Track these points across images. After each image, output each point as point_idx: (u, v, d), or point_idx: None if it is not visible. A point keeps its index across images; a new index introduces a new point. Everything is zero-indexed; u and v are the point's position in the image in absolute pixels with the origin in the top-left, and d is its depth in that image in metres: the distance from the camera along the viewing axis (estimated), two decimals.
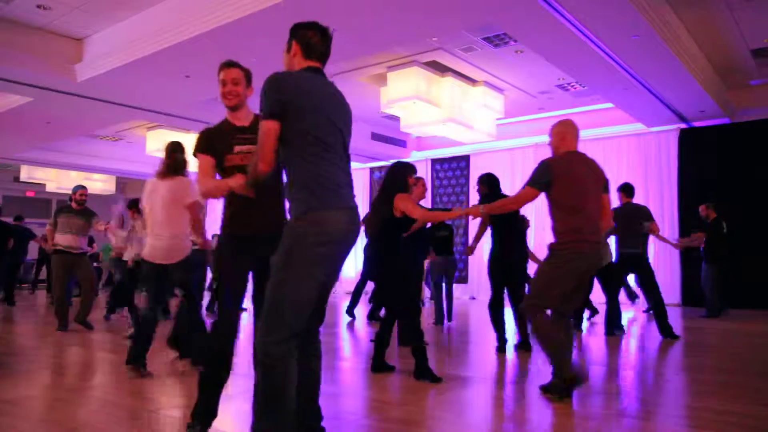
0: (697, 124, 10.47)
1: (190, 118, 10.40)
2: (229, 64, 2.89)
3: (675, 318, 8.50)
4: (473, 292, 12.72)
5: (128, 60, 7.50)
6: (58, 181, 16.40)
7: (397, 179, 4.11)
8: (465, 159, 13.32)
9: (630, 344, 5.99)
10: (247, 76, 2.91)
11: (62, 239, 6.76)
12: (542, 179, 3.49)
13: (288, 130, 2.21)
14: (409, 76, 8.66)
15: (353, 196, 2.37)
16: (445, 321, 7.49)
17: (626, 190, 6.65)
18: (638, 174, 10.74)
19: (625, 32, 6.57)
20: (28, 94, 8.97)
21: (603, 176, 3.64)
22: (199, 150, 2.80)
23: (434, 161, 13.77)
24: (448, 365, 4.70)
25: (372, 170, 14.87)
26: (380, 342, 4.31)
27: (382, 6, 6.00)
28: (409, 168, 4.20)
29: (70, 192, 7.68)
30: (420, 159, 13.90)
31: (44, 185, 16.70)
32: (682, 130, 10.63)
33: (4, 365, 4.43)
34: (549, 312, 3.52)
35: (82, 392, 3.68)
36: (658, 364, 4.89)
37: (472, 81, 9.54)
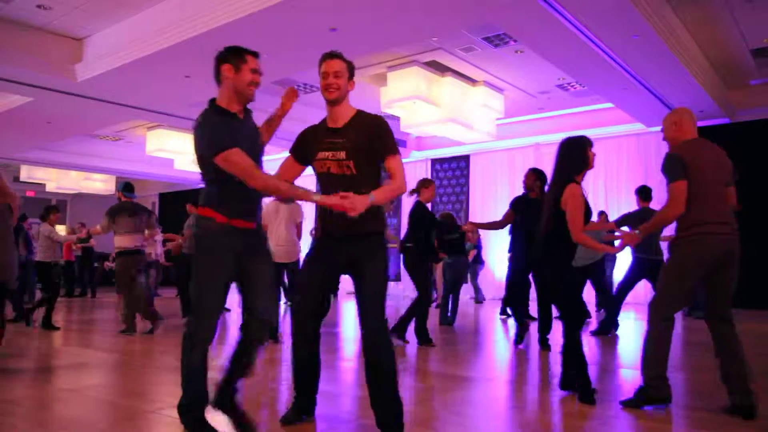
0: (697, 123, 10.46)
1: (190, 118, 10.32)
2: (332, 55, 2.78)
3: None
4: (473, 292, 12.70)
5: (128, 60, 7.51)
6: (58, 181, 16.41)
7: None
8: (465, 159, 13.32)
9: (630, 344, 5.99)
10: (350, 68, 2.81)
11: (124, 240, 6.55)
12: (679, 167, 3.14)
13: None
14: (409, 76, 8.66)
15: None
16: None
17: (644, 192, 6.51)
18: (638, 174, 10.73)
19: (625, 32, 6.57)
20: (28, 94, 8.97)
21: (728, 166, 3.32)
22: (290, 149, 2.84)
23: (434, 161, 13.77)
24: (449, 365, 4.70)
25: None
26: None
27: (382, 6, 6.00)
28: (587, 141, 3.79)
29: (69, 192, 7.68)
30: (420, 159, 13.91)
31: (44, 185, 16.70)
32: None
33: (5, 365, 4.43)
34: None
35: (82, 392, 3.68)
36: None
37: (472, 81, 9.54)
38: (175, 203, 18.51)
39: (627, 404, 3.23)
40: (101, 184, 17.33)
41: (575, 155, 3.65)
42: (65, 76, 8.17)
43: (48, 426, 2.89)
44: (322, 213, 2.69)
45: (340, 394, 3.71)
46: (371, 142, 2.62)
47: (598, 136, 11.29)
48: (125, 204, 6.42)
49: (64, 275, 11.56)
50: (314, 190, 2.61)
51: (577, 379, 3.41)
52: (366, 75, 9.37)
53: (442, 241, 7.03)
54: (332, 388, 3.85)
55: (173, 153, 12.49)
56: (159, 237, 8.46)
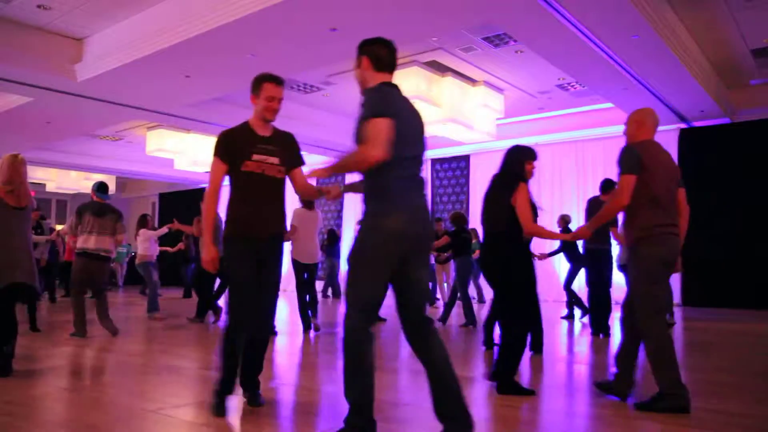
0: (697, 124, 10.47)
1: (190, 118, 10.40)
2: (281, 82, 3.05)
3: (675, 317, 8.50)
4: (473, 292, 12.71)
5: (128, 60, 7.51)
6: (58, 181, 16.41)
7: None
8: (465, 159, 13.32)
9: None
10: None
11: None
12: (633, 161, 3.20)
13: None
14: (409, 76, 8.66)
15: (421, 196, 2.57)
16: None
17: (605, 185, 6.29)
18: None
19: (625, 32, 6.57)
20: (28, 94, 8.98)
21: (677, 170, 3.39)
22: (216, 153, 2.99)
23: (434, 161, 13.77)
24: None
25: None
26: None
27: (382, 6, 6.00)
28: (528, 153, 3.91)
29: (69, 192, 7.66)
30: None
31: (44, 185, 16.70)
32: (682, 130, 10.63)
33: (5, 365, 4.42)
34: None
35: (82, 392, 3.68)
36: None
37: (472, 81, 9.54)
38: (175, 203, 18.51)
39: (642, 408, 3.15)
40: None
41: (515, 162, 3.85)
42: (65, 76, 8.17)
43: (48, 426, 2.89)
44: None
45: (340, 393, 3.71)
46: (292, 153, 3.09)
47: (598, 136, 11.33)
48: (93, 203, 6.21)
49: (60, 276, 11.50)
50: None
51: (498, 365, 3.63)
52: None
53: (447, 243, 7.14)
54: (333, 388, 3.85)
55: (173, 153, 12.48)
56: (153, 236, 8.38)
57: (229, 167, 2.95)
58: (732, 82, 9.84)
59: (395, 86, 2.59)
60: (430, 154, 13.80)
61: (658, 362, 3.14)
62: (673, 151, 10.67)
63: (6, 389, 3.65)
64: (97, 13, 7.43)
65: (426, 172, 13.79)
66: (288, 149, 3.06)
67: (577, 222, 9.39)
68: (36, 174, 16.02)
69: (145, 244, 8.31)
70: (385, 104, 2.42)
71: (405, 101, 2.58)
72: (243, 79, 8.23)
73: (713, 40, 8.13)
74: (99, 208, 6.19)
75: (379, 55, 2.59)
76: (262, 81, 3.00)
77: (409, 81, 8.65)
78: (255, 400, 3.09)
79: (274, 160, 2.96)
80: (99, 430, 2.81)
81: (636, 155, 3.22)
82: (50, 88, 8.54)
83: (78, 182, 16.73)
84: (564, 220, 8.15)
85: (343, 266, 13.67)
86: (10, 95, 9.40)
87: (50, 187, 16.68)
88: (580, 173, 11.56)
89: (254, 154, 2.92)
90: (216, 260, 2.98)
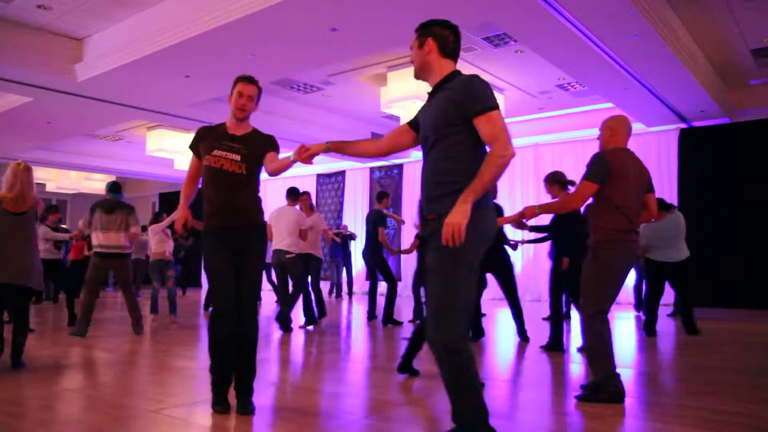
0: (697, 124, 10.47)
1: (190, 118, 10.40)
2: (251, 80, 3.14)
3: (676, 318, 8.51)
4: None
5: (128, 60, 7.51)
6: (58, 181, 16.41)
7: None
8: None
9: (628, 344, 5.99)
10: (259, 94, 3.19)
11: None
12: (600, 171, 3.34)
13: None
14: (409, 76, 8.65)
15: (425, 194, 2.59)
16: None
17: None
18: None
19: (625, 32, 6.57)
20: (28, 94, 8.97)
21: (648, 176, 3.55)
22: (189, 146, 3.27)
23: None
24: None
25: (372, 170, 14.87)
26: (415, 342, 4.06)
27: (382, 6, 6.00)
28: None
29: (69, 192, 7.73)
30: (420, 159, 13.87)
31: (44, 185, 16.70)
32: (682, 130, 10.63)
33: (5, 365, 4.42)
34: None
35: (82, 392, 3.68)
36: (658, 364, 4.89)
37: None
38: (175, 203, 18.51)
39: (582, 399, 3.33)
40: (101, 184, 17.31)
41: None
42: (65, 76, 8.17)
43: (48, 426, 2.89)
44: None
45: (344, 394, 3.71)
46: (261, 149, 3.13)
47: (598, 136, 11.31)
48: (104, 200, 6.30)
49: (65, 275, 11.46)
50: None
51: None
52: (366, 75, 9.37)
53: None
54: (337, 388, 3.85)
55: (173, 153, 12.48)
56: (159, 229, 8.18)
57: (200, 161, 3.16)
58: (732, 82, 9.84)
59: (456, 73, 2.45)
60: None
61: (594, 356, 3.36)
62: (673, 151, 10.68)
63: (6, 389, 3.65)
64: (97, 13, 7.43)
65: None
66: (256, 147, 3.11)
67: None
68: (36, 174, 15.84)
69: (156, 238, 7.92)
70: (493, 96, 2.31)
71: None
72: None
73: (713, 40, 8.13)
74: (109, 204, 6.28)
75: (447, 38, 2.49)
76: (235, 81, 3.14)
77: (409, 81, 8.64)
78: (244, 408, 2.99)
79: (235, 156, 3.05)
80: (99, 430, 2.81)
81: (605, 165, 3.35)
82: (50, 88, 8.54)
83: (78, 182, 16.74)
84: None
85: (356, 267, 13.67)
86: (10, 95, 9.40)
87: (50, 187, 16.68)
88: (580, 173, 11.46)
89: (215, 150, 3.06)
90: (188, 219, 3.20)
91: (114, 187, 6.44)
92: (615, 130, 3.53)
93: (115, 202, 6.33)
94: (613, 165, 3.33)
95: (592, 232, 3.46)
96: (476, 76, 2.34)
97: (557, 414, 3.24)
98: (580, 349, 5.15)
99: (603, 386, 3.28)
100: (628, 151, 3.50)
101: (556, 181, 5.32)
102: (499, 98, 9.93)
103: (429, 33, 2.50)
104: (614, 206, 3.34)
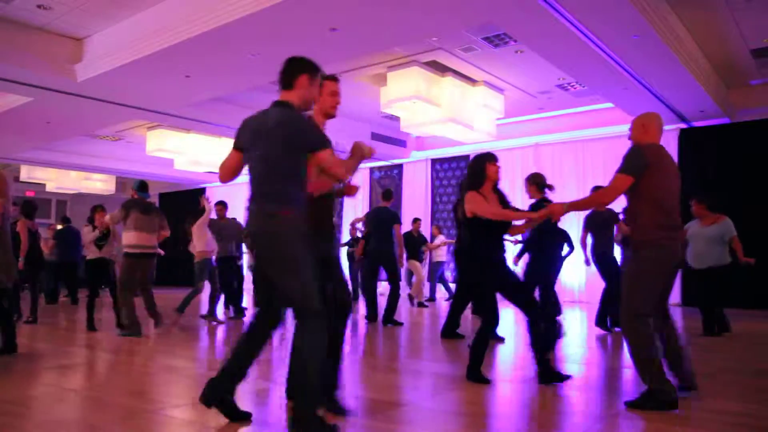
0: (697, 124, 10.47)
1: (190, 118, 10.41)
2: (337, 79, 3.18)
3: (675, 318, 8.47)
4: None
5: (128, 60, 7.51)
6: (58, 181, 16.40)
7: (472, 173, 3.86)
8: (465, 159, 13.31)
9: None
10: None
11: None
12: (636, 163, 3.18)
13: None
14: (409, 76, 8.66)
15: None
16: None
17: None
18: None
19: (625, 32, 6.57)
20: (28, 94, 8.97)
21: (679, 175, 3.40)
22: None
23: (434, 161, 13.77)
24: (448, 365, 4.70)
25: (372, 170, 14.87)
26: (479, 349, 3.84)
27: (382, 6, 6.00)
28: (488, 157, 3.88)
29: (69, 192, 7.63)
30: (420, 159, 13.91)
31: (44, 185, 16.70)
32: (682, 130, 10.63)
33: (5, 365, 4.43)
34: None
35: (82, 392, 3.68)
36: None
37: (472, 81, 9.54)
38: (175, 203, 18.51)
39: (633, 405, 3.17)
40: (101, 184, 17.32)
41: (476, 171, 3.87)
42: (65, 76, 8.17)
43: (48, 426, 2.89)
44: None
45: (344, 394, 3.70)
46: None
47: (598, 136, 11.33)
48: (138, 200, 6.35)
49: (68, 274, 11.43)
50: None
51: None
52: (366, 75, 9.37)
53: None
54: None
55: (173, 153, 12.48)
56: (203, 223, 7.96)
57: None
58: (732, 82, 9.84)
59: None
60: (430, 154, 13.83)
61: (640, 361, 3.20)
62: (673, 151, 10.66)
63: (6, 389, 3.65)
64: (97, 13, 7.43)
65: (426, 172, 13.83)
66: None
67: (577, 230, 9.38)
68: (36, 174, 16.02)
69: (203, 238, 7.50)
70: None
71: None
72: (243, 79, 8.26)
73: (713, 40, 8.13)
74: (145, 206, 6.36)
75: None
76: (321, 78, 3.11)
77: (409, 81, 8.65)
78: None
79: None
80: (99, 430, 2.81)
81: (641, 157, 3.20)
82: (50, 88, 8.54)
83: (78, 182, 16.73)
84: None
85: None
86: (10, 95, 9.40)
87: (50, 187, 16.67)
88: (580, 173, 11.55)
89: None
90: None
91: (143, 187, 6.51)
92: (647, 126, 3.38)
93: (149, 203, 6.48)
94: (650, 159, 3.19)
95: (632, 233, 3.33)
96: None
97: (557, 413, 3.23)
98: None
99: (654, 393, 3.12)
100: (663, 148, 3.36)
101: (534, 182, 5.41)
102: (499, 98, 9.99)
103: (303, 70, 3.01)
104: (655, 202, 3.19)
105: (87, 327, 6.50)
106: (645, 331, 3.19)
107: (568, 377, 3.81)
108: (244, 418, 2.83)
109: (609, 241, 6.59)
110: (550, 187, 5.49)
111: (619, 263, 6.68)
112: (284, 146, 2.69)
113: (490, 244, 3.85)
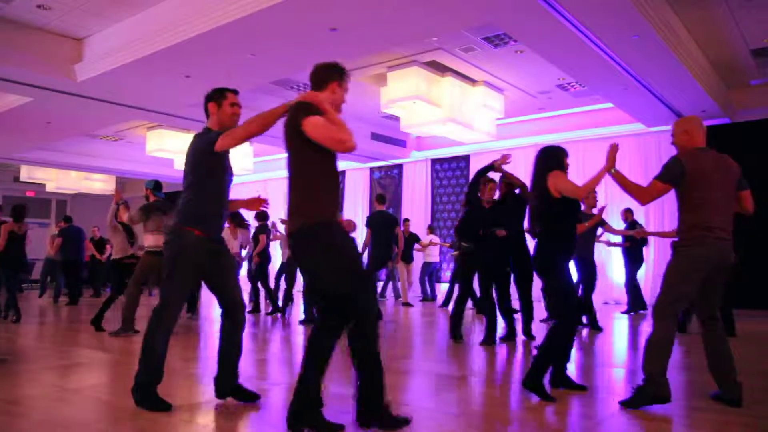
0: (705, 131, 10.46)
1: (190, 118, 10.40)
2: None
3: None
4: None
5: (128, 60, 7.50)
6: (58, 181, 16.40)
7: (555, 158, 3.89)
8: (465, 159, 13.32)
9: (626, 343, 5.99)
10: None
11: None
12: (672, 173, 3.34)
13: None
14: (409, 76, 8.66)
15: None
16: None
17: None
18: (638, 174, 10.72)
19: (625, 32, 6.56)
20: (28, 94, 8.97)
21: (737, 172, 3.48)
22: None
23: (434, 161, 13.77)
24: (448, 365, 4.70)
25: (372, 170, 14.87)
26: (561, 353, 3.72)
27: (382, 6, 6.00)
28: (564, 152, 3.96)
29: (69, 192, 7.58)
30: (420, 159, 13.91)
31: (44, 185, 16.70)
32: None
33: (4, 365, 4.43)
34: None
35: (81, 392, 3.68)
36: None
37: (472, 81, 9.54)
38: (174, 203, 18.53)
39: (626, 404, 3.22)
40: (101, 184, 17.31)
41: (559, 158, 3.92)
42: (65, 76, 8.17)
43: (48, 426, 2.89)
44: None
45: (345, 394, 3.71)
46: None
47: (598, 136, 11.31)
48: (157, 202, 6.32)
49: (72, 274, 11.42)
50: None
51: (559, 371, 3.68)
52: (366, 75, 9.36)
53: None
54: (337, 388, 3.85)
55: (173, 153, 12.47)
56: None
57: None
58: (732, 82, 9.83)
59: None
60: (430, 154, 13.82)
61: (652, 351, 3.27)
62: (673, 151, 10.63)
63: (6, 389, 3.65)
64: (97, 13, 7.43)
65: (426, 172, 13.83)
66: None
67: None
68: (36, 174, 16.02)
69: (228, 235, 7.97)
70: None
71: None
72: (243, 79, 8.26)
73: (713, 40, 8.13)
74: (165, 207, 6.32)
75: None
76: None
77: (409, 81, 8.65)
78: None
79: None
80: (99, 430, 2.81)
81: (680, 167, 3.34)
82: (50, 88, 8.54)
83: (78, 182, 16.73)
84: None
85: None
86: (10, 95, 9.40)
87: (50, 187, 16.67)
88: (580, 173, 11.54)
89: None
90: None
91: (158, 186, 6.52)
92: (690, 132, 3.49)
93: (168, 203, 6.39)
94: (688, 167, 3.32)
95: (677, 234, 3.44)
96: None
97: (557, 413, 3.23)
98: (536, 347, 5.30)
99: (650, 382, 3.21)
100: (709, 151, 3.45)
101: (506, 183, 5.85)
102: (499, 98, 9.98)
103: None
104: (693, 206, 3.33)
105: (92, 322, 6.51)
106: (666, 328, 3.28)
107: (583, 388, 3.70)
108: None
109: (592, 245, 6.91)
110: (522, 186, 5.80)
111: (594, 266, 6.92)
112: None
113: (567, 232, 3.75)
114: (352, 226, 8.14)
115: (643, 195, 3.45)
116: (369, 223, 8.04)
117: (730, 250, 3.35)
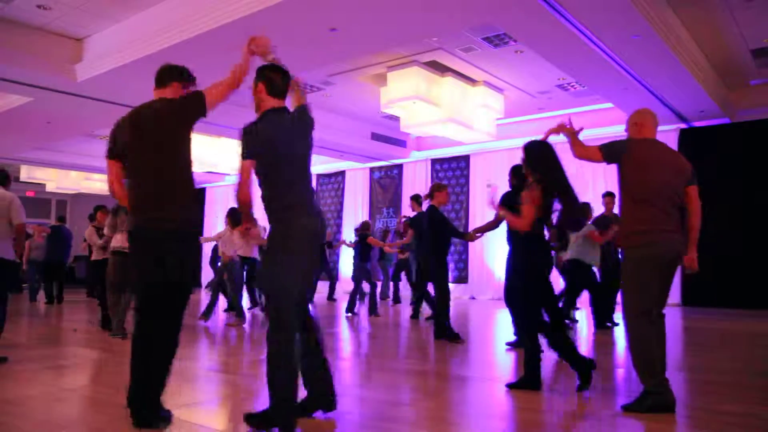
0: (697, 124, 10.47)
1: None
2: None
3: (675, 317, 8.51)
4: (473, 292, 12.73)
5: (128, 60, 7.50)
6: (58, 181, 16.41)
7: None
8: (465, 159, 13.32)
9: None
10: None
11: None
12: (615, 148, 3.32)
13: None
14: (409, 76, 8.66)
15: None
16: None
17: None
18: None
19: (625, 32, 6.57)
20: (28, 94, 8.97)
21: (686, 168, 3.31)
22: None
23: (434, 161, 13.77)
24: (448, 365, 4.70)
25: (372, 170, 14.86)
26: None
27: (382, 6, 6.00)
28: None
29: (69, 192, 7.51)
30: (420, 159, 13.90)
31: (44, 185, 16.70)
32: (682, 130, 10.63)
33: (4, 365, 4.42)
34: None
35: (81, 392, 3.68)
36: None
37: (472, 81, 9.54)
38: None
39: (629, 409, 3.15)
40: (101, 184, 17.28)
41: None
42: (65, 76, 8.17)
43: (48, 426, 2.89)
44: None
45: (345, 394, 3.71)
46: None
47: (598, 136, 11.28)
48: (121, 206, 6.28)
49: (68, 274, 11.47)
50: None
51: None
52: (366, 75, 9.37)
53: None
54: (338, 388, 3.84)
55: None
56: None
57: None
58: (732, 82, 9.83)
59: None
60: (430, 154, 13.82)
61: (640, 362, 3.18)
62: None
63: (6, 389, 3.65)
64: (97, 13, 7.43)
65: (426, 172, 13.83)
66: None
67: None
68: (36, 174, 16.02)
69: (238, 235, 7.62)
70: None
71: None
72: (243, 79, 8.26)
73: (713, 40, 8.13)
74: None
75: (275, 81, 3.07)
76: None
77: (409, 81, 8.65)
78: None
79: None
80: (99, 430, 2.81)
81: (623, 147, 3.33)
82: (50, 88, 8.54)
83: (78, 182, 16.73)
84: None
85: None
86: (10, 95, 9.39)
87: (50, 187, 16.67)
88: (580, 173, 11.56)
89: None
90: None
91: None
92: (640, 124, 3.42)
93: None
94: (632, 151, 3.27)
95: (620, 231, 3.38)
96: (245, 127, 2.91)
97: (557, 413, 3.23)
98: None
99: (651, 395, 3.11)
100: (658, 143, 3.37)
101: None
102: (499, 98, 9.99)
103: (258, 77, 3.13)
104: (635, 200, 3.24)
105: (103, 325, 6.55)
106: (645, 331, 3.17)
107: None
108: None
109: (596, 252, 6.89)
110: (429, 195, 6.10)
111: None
112: None
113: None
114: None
115: (581, 150, 3.51)
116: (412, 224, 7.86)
117: (680, 242, 3.25)
